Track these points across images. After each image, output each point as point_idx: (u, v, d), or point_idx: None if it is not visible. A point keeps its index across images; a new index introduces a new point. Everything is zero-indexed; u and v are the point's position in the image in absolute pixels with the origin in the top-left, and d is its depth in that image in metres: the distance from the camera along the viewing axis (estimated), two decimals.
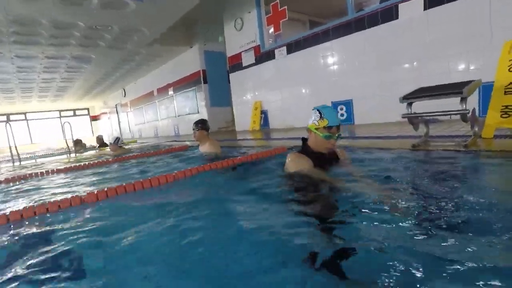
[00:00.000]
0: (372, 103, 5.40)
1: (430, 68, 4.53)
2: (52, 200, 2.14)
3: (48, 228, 1.74)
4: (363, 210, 1.41)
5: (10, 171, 5.46)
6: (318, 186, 1.84)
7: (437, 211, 1.32)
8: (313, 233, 1.27)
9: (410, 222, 1.25)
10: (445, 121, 4.13)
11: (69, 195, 2.25)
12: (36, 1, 5.50)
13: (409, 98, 2.56)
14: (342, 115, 5.87)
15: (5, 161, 8.74)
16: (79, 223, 1.74)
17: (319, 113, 1.97)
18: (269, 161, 3.02)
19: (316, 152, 2.05)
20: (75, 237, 1.52)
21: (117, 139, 6.31)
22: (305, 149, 2.12)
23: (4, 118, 18.49)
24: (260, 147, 4.45)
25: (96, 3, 5.90)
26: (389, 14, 4.87)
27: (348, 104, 5.77)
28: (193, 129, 4.05)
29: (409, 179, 1.87)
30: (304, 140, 2.18)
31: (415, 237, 1.11)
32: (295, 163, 2.05)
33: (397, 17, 4.79)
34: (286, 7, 6.55)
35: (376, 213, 1.37)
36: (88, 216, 1.87)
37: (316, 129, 1.98)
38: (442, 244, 1.03)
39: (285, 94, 7.14)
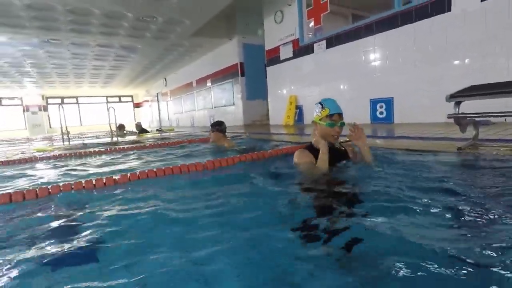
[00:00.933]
0: (414, 102, 5.07)
1: (485, 65, 4.13)
2: (88, 179, 2.28)
3: (81, 205, 1.85)
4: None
5: (59, 149, 5.94)
6: (317, 182, 1.95)
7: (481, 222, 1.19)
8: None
9: (444, 226, 1.14)
10: (499, 123, 3.76)
11: (104, 176, 2.38)
12: None
13: (458, 96, 2.35)
14: (381, 113, 5.59)
15: (56, 140, 9.54)
16: (111, 202, 1.83)
17: (321, 104, 2.12)
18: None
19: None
20: (102, 215, 1.60)
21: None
22: (311, 144, 2.22)
23: (59, 101, 20.15)
24: (290, 142, 4.38)
25: None
26: (441, 6, 4.51)
27: (389, 102, 5.47)
28: (209, 131, 4.06)
29: (452, 185, 1.72)
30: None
31: (450, 242, 1.01)
32: (297, 159, 2.19)
33: (449, 9, 4.41)
34: (328, 0, 6.34)
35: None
36: (119, 196, 1.96)
37: (320, 119, 2.11)
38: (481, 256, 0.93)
39: (322, 89, 6.95)
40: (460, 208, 1.33)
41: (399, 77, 5.28)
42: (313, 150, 2.16)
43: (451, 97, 2.37)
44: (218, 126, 4.04)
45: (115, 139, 8.59)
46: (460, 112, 2.36)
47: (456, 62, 4.48)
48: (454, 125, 2.66)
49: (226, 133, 4.14)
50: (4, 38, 8.28)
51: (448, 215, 1.27)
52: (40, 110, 20.01)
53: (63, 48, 9.79)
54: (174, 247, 1.13)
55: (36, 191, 1.99)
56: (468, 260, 0.87)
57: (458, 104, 2.37)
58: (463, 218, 1.24)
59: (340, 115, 2.10)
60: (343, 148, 2.27)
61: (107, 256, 1.10)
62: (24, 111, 19.74)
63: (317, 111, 2.13)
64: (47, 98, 20.48)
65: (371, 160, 2.13)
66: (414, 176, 1.88)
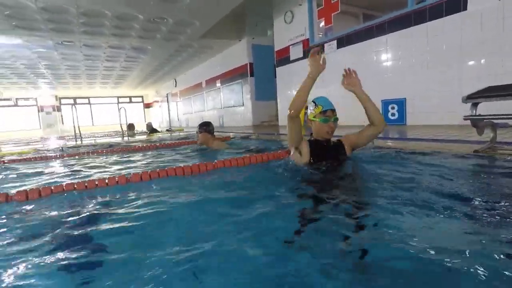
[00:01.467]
0: (428, 103, 4.96)
1: (504, 65, 4.01)
2: (101, 177, 2.30)
3: (95, 202, 1.87)
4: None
5: (72, 148, 6.04)
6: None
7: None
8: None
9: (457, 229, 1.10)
10: None
11: (116, 174, 2.40)
12: None
13: (475, 97, 2.28)
14: (393, 114, 5.49)
15: (69, 139, 9.72)
16: (124, 200, 1.85)
17: (314, 102, 2.26)
18: None
19: (321, 140, 2.25)
20: (113, 212, 1.61)
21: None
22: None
23: (72, 101, 20.54)
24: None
25: None
26: (456, 4, 4.40)
27: (401, 103, 5.37)
28: (196, 132, 3.95)
29: (469, 188, 1.67)
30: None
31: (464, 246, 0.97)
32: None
33: (465, 8, 4.30)
34: None
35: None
36: (131, 194, 1.97)
37: (314, 117, 2.23)
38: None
39: (332, 90, 6.86)
40: (477, 212, 1.28)
41: (411, 78, 5.18)
42: (312, 142, 2.29)
43: (468, 98, 2.30)
44: (206, 127, 3.89)
45: (125, 138, 8.70)
46: (477, 114, 2.29)
47: (472, 62, 4.36)
48: (469, 128, 2.59)
49: (232, 135, 4.11)
50: (20, 41, 8.49)
51: (463, 220, 1.22)
52: (54, 110, 20.44)
53: (76, 50, 9.97)
54: (180, 247, 1.12)
55: (51, 188, 2.02)
56: (482, 268, 0.84)
57: (475, 105, 2.30)
58: (479, 223, 1.19)
59: (333, 111, 2.23)
60: (339, 143, 2.35)
61: (113, 255, 1.10)
62: (38, 111, 20.20)
63: (310, 109, 2.25)
64: (60, 98, 20.90)
65: (369, 101, 2.24)
66: (428, 179, 1.83)
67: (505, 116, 2.18)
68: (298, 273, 0.92)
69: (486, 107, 2.45)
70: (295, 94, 2.16)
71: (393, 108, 5.50)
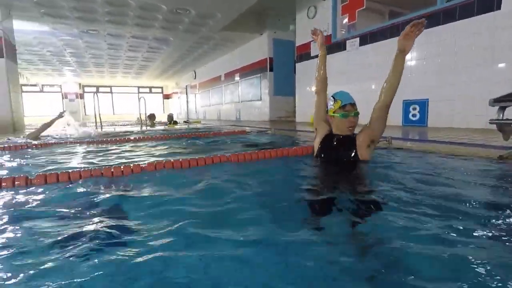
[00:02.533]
0: (452, 105, 4.78)
1: None
2: (117, 165, 2.35)
3: (112, 189, 1.92)
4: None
5: (93, 136, 6.22)
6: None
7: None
8: None
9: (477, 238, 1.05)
10: None
11: (131, 163, 2.44)
12: None
13: (503, 101, 2.17)
14: (414, 115, 5.33)
15: (90, 126, 10.01)
16: (137, 189, 1.88)
17: (333, 97, 2.17)
18: None
19: (338, 135, 2.20)
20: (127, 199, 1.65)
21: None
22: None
23: (94, 89, 21.13)
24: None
25: None
26: (489, 3, 4.18)
27: (423, 104, 5.20)
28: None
29: (493, 195, 1.59)
30: None
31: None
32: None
33: (498, 8, 4.09)
34: None
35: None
36: (145, 184, 2.00)
37: (334, 112, 2.14)
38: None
39: (353, 88, 6.73)
40: (500, 221, 1.22)
41: (436, 79, 5.00)
42: (326, 136, 2.28)
43: (496, 101, 2.20)
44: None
45: (144, 128, 8.88)
46: (504, 118, 2.19)
47: (502, 65, 4.15)
48: (494, 132, 2.48)
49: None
50: (48, 28, 8.77)
51: (485, 229, 1.17)
52: (77, 97, 21.10)
53: (100, 39, 10.22)
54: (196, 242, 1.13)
55: (69, 173, 2.08)
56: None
57: (502, 109, 2.19)
58: (501, 233, 1.13)
59: (352, 105, 2.12)
60: (350, 139, 2.16)
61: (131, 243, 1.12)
62: (62, 98, 20.91)
63: (330, 104, 2.17)
64: (83, 86, 21.54)
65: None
66: (448, 183, 1.77)
67: None
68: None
69: None
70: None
71: (414, 109, 5.34)
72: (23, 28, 8.57)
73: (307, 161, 2.54)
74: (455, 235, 1.09)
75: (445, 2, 4.81)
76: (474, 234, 1.11)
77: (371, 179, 1.92)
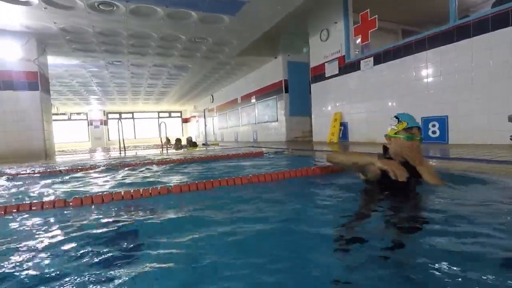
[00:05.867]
0: (472, 121, 4.70)
1: None
2: (146, 188, 2.48)
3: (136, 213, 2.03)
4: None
5: (117, 160, 6.49)
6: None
7: None
8: None
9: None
10: None
11: (159, 185, 2.57)
12: (149, 18, 6.50)
13: None
14: (433, 132, 5.27)
15: (115, 151, 10.43)
16: (158, 211, 1.99)
17: (396, 118, 2.01)
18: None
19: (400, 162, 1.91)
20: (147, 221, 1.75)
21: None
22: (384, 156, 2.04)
23: (117, 116, 22.11)
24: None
25: (196, 18, 6.64)
26: (504, 19, 4.20)
27: (443, 121, 5.14)
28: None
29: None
30: (386, 148, 2.14)
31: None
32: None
33: None
34: (376, 16, 6.26)
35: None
36: (169, 206, 2.11)
37: (396, 133, 1.97)
38: None
39: (369, 106, 6.77)
40: None
41: (454, 95, 4.96)
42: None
43: None
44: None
45: (165, 151, 9.16)
46: None
47: None
48: None
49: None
50: (78, 61, 9.45)
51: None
52: (101, 124, 22.12)
53: (124, 69, 10.85)
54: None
55: (92, 197, 2.23)
56: None
57: None
58: None
59: (419, 129, 1.97)
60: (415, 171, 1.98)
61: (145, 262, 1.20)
62: (88, 125, 21.97)
63: (391, 124, 2.02)
64: (107, 113, 22.61)
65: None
66: (475, 200, 1.76)
67: None
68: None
69: None
70: (343, 155, 2.17)
71: (433, 125, 5.28)
72: (56, 62, 9.27)
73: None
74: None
75: (458, 20, 4.86)
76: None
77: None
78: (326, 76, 7.93)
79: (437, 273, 0.96)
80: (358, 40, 6.97)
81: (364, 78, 6.79)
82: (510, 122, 2.22)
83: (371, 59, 6.52)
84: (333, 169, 2.99)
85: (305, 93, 9.92)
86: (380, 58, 6.34)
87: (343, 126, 7.48)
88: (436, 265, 1.00)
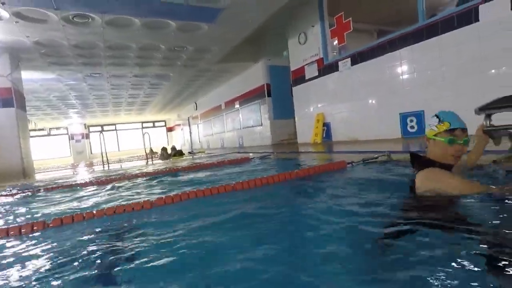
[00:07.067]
0: None
1: None
2: (128, 202, 2.46)
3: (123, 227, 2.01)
4: None
5: (101, 174, 6.36)
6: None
7: None
8: None
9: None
10: None
11: (141, 199, 2.55)
12: (126, 29, 6.45)
13: (487, 109, 2.28)
14: (412, 127, 5.44)
15: (97, 165, 10.20)
16: (145, 225, 1.98)
17: (437, 117, 1.76)
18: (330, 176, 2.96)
19: (442, 164, 1.71)
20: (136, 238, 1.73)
21: None
22: (424, 164, 1.74)
23: (99, 128, 21.67)
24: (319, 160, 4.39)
25: (174, 27, 6.64)
26: (468, 17, 4.42)
27: (419, 115, 5.32)
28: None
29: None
30: (417, 156, 1.85)
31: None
32: (432, 182, 1.64)
33: (477, 20, 4.31)
34: (350, 18, 6.43)
35: None
36: (152, 219, 2.10)
37: (436, 135, 1.73)
38: None
39: (349, 105, 6.93)
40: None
41: (428, 90, 5.16)
42: (444, 167, 1.71)
43: (480, 109, 2.30)
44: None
45: (150, 162, 9.04)
46: (491, 125, 2.28)
47: (486, 74, 4.31)
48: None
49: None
50: (54, 75, 9.24)
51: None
52: (83, 138, 21.60)
53: (103, 81, 10.69)
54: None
55: (83, 214, 2.19)
56: None
57: (488, 116, 2.29)
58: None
59: (464, 130, 1.74)
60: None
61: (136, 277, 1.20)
62: (69, 139, 21.41)
63: (431, 124, 1.77)
64: (88, 126, 22.11)
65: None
66: None
67: None
68: None
69: (508, 116, 2.43)
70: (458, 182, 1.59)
71: (411, 121, 5.46)
72: (31, 77, 9.03)
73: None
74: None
75: (426, 19, 5.07)
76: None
77: None
78: (307, 78, 8.06)
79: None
80: (335, 42, 7.14)
81: (343, 78, 6.95)
82: (476, 114, 2.32)
83: (349, 60, 6.69)
84: (316, 170, 3.04)
85: (288, 96, 10.05)
86: (356, 59, 6.51)
87: (326, 126, 7.61)
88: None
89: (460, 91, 4.67)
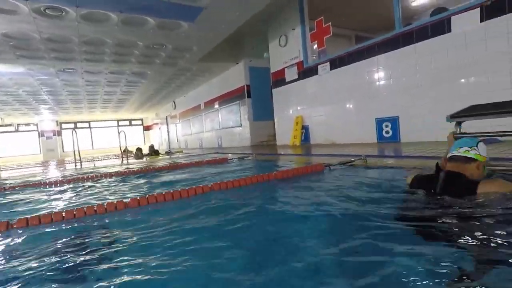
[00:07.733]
0: (420, 121, 5.08)
1: (487, 84, 4.16)
2: (100, 203, 2.36)
3: (93, 229, 1.92)
4: None
5: (72, 173, 6.09)
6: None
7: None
8: None
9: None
10: (508, 141, 3.74)
11: (115, 200, 2.46)
12: (102, 24, 6.22)
13: (458, 116, 2.38)
14: (387, 132, 5.61)
15: (69, 163, 9.77)
16: (120, 226, 1.90)
17: (477, 147, 1.84)
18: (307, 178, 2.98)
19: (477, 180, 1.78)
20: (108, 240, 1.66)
21: None
22: (470, 182, 1.77)
23: (72, 125, 20.79)
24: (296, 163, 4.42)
25: (154, 24, 6.48)
26: (441, 27, 4.62)
27: (394, 121, 5.50)
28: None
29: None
30: (457, 174, 1.82)
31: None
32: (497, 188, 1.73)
33: (449, 30, 4.51)
34: (330, 23, 6.55)
35: None
36: (128, 219, 2.02)
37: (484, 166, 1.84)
38: None
39: (327, 109, 7.04)
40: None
41: (403, 97, 5.33)
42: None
43: (451, 117, 2.40)
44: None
45: (125, 161, 8.77)
46: (462, 132, 2.39)
47: (459, 81, 4.52)
48: None
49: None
50: (23, 69, 8.75)
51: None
52: (54, 135, 20.64)
53: (77, 76, 10.24)
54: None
55: (51, 216, 2.07)
56: None
57: (459, 124, 2.40)
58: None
59: None
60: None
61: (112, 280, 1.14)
62: (39, 136, 20.38)
63: (480, 150, 1.84)
64: (61, 123, 21.16)
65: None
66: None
67: (487, 134, 2.28)
68: None
69: (477, 124, 2.55)
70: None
71: (387, 126, 5.62)
72: None
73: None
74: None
75: (403, 27, 5.25)
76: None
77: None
78: (287, 81, 8.12)
79: None
80: (315, 46, 7.24)
81: (322, 82, 7.06)
82: (448, 122, 2.42)
83: (328, 64, 6.80)
84: (295, 172, 3.06)
85: (267, 98, 10.09)
86: (335, 63, 6.63)
87: (305, 129, 7.70)
88: None
89: (434, 98, 4.87)
